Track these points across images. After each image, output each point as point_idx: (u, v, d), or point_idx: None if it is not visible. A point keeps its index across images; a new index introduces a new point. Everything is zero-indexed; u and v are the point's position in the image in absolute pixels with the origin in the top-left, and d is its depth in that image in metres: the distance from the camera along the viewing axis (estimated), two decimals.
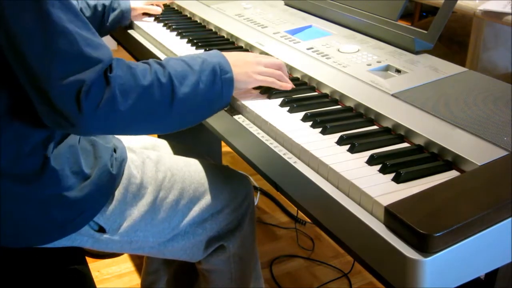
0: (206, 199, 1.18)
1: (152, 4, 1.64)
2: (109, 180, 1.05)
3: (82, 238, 1.06)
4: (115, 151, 1.10)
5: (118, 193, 1.07)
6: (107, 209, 1.06)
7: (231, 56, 1.03)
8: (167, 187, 1.14)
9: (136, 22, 1.60)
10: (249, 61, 1.06)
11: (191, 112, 0.97)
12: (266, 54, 1.28)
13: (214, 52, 1.04)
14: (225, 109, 1.07)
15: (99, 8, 1.49)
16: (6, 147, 0.93)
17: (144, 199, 1.11)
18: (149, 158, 1.16)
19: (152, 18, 1.64)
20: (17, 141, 0.93)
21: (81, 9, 1.43)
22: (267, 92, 1.10)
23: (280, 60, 1.14)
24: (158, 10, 1.64)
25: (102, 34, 1.53)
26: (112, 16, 1.52)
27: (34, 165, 0.95)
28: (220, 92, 0.99)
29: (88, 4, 1.47)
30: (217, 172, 1.24)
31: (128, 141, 1.32)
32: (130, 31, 1.60)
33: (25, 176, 0.95)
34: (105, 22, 1.51)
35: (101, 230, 1.07)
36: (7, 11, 0.82)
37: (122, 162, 1.10)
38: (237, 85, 1.02)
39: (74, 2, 1.35)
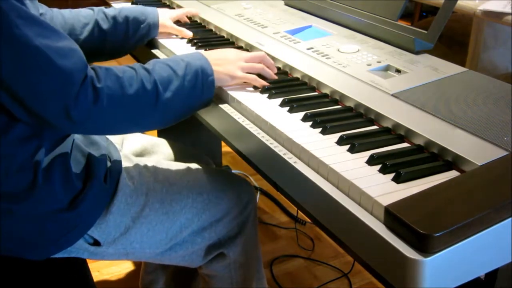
0: (205, 209, 1.15)
1: (180, 22, 1.48)
2: (103, 193, 1.03)
3: (78, 251, 1.05)
4: (110, 160, 1.08)
5: (112, 205, 1.05)
6: (101, 222, 1.04)
7: (213, 56, 1.06)
8: (164, 198, 1.11)
9: (161, 41, 1.41)
10: (230, 59, 1.09)
11: (173, 113, 1.01)
12: (266, 54, 1.28)
13: (197, 54, 1.06)
14: (225, 109, 1.08)
15: (120, 20, 1.32)
16: None
17: (140, 211, 1.08)
18: (146, 168, 1.14)
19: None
20: (5, 159, 0.92)
21: (97, 21, 1.29)
22: (267, 91, 1.10)
23: (262, 52, 1.17)
24: (189, 35, 1.42)
25: (123, 51, 1.38)
26: (139, 31, 1.35)
27: (24, 182, 0.94)
28: (201, 94, 1.03)
29: (106, 15, 1.32)
30: (217, 179, 1.21)
31: (126, 146, 1.31)
32: (155, 51, 1.41)
33: (15, 193, 0.94)
34: (129, 37, 1.34)
35: (96, 243, 1.05)
36: None
37: (117, 173, 1.07)
38: (219, 83, 1.06)
39: (90, 13, 1.31)
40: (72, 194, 0.99)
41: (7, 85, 0.84)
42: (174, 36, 1.45)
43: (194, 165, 1.22)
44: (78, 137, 1.06)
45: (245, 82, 1.12)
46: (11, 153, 0.92)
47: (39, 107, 0.87)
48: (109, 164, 1.07)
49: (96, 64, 0.96)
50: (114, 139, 1.22)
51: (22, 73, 0.84)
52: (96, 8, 1.33)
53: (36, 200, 0.95)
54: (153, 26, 1.38)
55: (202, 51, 1.10)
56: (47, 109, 0.87)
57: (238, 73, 1.08)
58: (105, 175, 1.04)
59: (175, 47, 1.36)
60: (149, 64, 0.99)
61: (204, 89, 1.03)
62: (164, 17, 1.42)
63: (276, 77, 1.14)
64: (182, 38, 1.44)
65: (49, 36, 0.86)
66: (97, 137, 1.11)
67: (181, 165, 1.21)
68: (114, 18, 1.32)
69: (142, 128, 1.01)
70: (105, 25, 1.31)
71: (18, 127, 0.91)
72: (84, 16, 1.30)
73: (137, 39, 1.37)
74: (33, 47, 0.84)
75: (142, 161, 1.17)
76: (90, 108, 0.88)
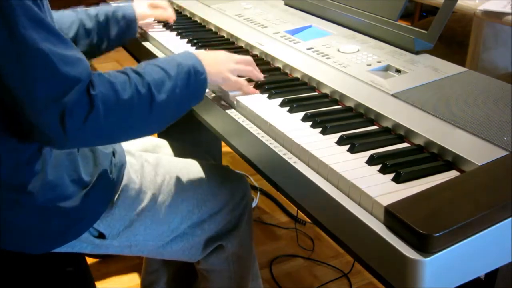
0: (205, 201, 1.18)
1: (157, 7, 1.48)
2: (109, 186, 1.05)
3: (82, 244, 1.06)
4: (114, 155, 1.10)
5: (117, 199, 1.07)
6: (106, 215, 1.06)
7: (204, 56, 1.05)
8: (166, 191, 1.14)
9: (151, 33, 1.47)
10: (221, 60, 1.08)
11: (169, 114, 0.98)
12: (266, 54, 1.28)
13: (188, 54, 1.04)
14: (225, 109, 1.08)
15: (101, 18, 1.33)
16: (5, 158, 0.92)
17: (143, 204, 1.11)
18: (147, 162, 1.17)
19: (161, 25, 1.53)
20: (15, 151, 0.92)
21: (81, 21, 1.30)
22: (267, 91, 1.10)
23: (250, 57, 1.15)
24: (171, 16, 1.50)
25: (107, 49, 1.38)
26: (117, 28, 1.36)
27: (33, 174, 0.95)
28: (194, 92, 1.01)
29: (88, 15, 1.32)
30: (216, 173, 1.25)
31: (128, 144, 1.32)
32: (145, 44, 1.46)
33: (24, 185, 0.94)
34: (110, 35, 1.35)
35: (101, 236, 1.07)
36: None
37: (121, 167, 1.10)
38: (211, 83, 1.05)
39: (73, 13, 1.31)
40: (80, 187, 1.00)
41: (6, 85, 0.83)
42: (164, 29, 1.51)
43: (192, 161, 1.25)
44: None
45: None
46: (20, 146, 0.93)
47: (34, 111, 0.83)
48: (113, 158, 1.09)
49: None
50: None
51: (22, 75, 0.82)
52: (78, 9, 1.34)
53: (44, 192, 0.96)
54: (131, 22, 1.38)
55: (193, 50, 1.09)
56: (42, 115, 0.83)
57: (230, 76, 1.07)
58: (110, 169, 1.06)
59: (166, 41, 1.40)
60: (140, 67, 0.97)
61: (198, 88, 1.01)
62: (141, 7, 1.42)
63: (263, 79, 1.14)
64: (172, 31, 1.50)
65: (56, 43, 0.84)
66: None
67: (181, 160, 1.24)
68: (96, 16, 1.33)
69: (138, 134, 0.98)
70: (88, 24, 1.31)
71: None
72: (68, 16, 1.30)
73: (116, 38, 1.36)
74: (37, 49, 0.81)
75: (143, 155, 1.19)
76: (86, 116, 0.85)
